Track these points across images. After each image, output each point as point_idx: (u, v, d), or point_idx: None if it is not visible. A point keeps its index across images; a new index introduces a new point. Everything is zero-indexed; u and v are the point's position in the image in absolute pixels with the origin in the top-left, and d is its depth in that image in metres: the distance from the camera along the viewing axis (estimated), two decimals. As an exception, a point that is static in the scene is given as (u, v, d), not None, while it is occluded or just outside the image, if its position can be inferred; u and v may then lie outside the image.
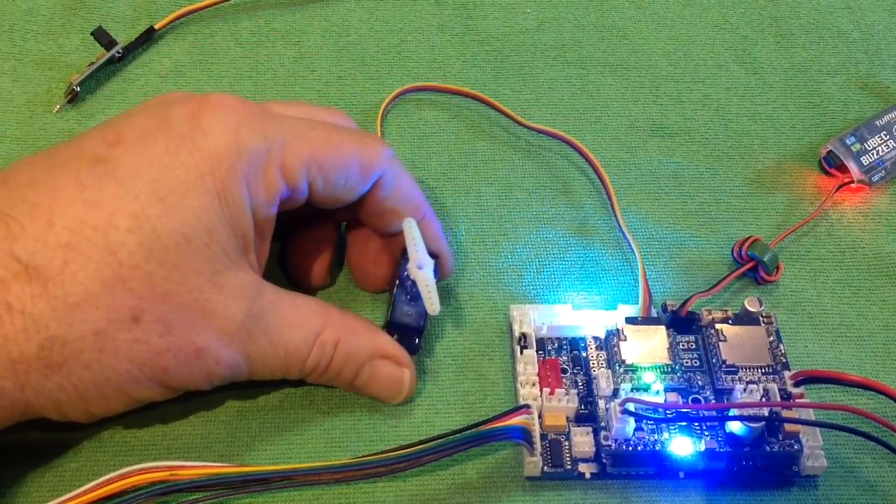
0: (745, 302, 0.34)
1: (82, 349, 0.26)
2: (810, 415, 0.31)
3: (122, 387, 0.27)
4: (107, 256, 0.26)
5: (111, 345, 0.26)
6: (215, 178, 0.27)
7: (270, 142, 0.29)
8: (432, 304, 0.31)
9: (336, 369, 0.31)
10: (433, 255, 0.32)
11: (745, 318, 0.34)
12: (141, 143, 0.28)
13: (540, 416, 0.31)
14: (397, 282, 0.32)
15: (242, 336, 0.28)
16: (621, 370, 0.32)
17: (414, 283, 0.31)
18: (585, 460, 0.31)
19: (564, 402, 0.31)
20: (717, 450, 0.30)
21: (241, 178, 0.28)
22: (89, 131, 0.29)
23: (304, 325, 0.30)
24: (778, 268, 0.37)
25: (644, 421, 0.31)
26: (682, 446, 0.30)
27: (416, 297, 0.32)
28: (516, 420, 0.31)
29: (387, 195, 0.32)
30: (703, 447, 0.30)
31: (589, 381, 0.33)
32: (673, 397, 0.31)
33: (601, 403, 0.31)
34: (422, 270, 0.31)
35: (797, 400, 0.32)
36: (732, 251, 0.37)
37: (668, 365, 0.32)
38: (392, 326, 0.32)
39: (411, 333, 0.32)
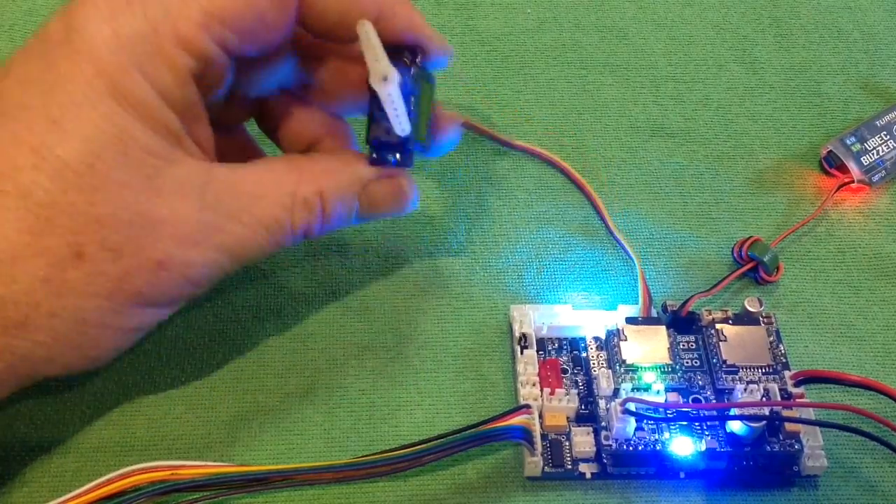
0: (745, 302, 0.34)
1: (37, 301, 0.25)
2: (811, 414, 0.31)
3: (103, 323, 0.26)
4: (23, 202, 0.24)
5: (66, 287, 0.25)
6: (104, 79, 0.25)
7: (152, 18, 0.25)
8: (399, 123, 0.27)
9: (332, 217, 0.29)
10: (413, 48, 0.28)
11: (745, 318, 0.34)
12: (23, 67, 0.25)
13: (540, 416, 0.31)
14: (370, 96, 0.28)
15: (206, 231, 0.26)
16: (622, 370, 0.32)
17: (376, 97, 0.27)
18: (586, 460, 0.31)
19: (565, 402, 0.31)
20: (717, 450, 0.30)
21: (133, 68, 0.25)
22: None
23: (274, 191, 0.28)
24: (778, 268, 0.37)
25: (645, 421, 0.31)
26: (682, 446, 0.30)
27: (385, 116, 0.28)
28: (517, 420, 0.31)
29: (321, 9, 0.28)
30: (703, 447, 0.30)
31: (589, 381, 0.33)
32: (673, 397, 0.31)
33: (602, 403, 0.31)
34: (385, 83, 0.26)
35: (797, 400, 0.32)
36: (732, 251, 0.37)
37: (668, 365, 0.32)
38: (372, 146, 0.29)
39: (393, 150, 0.29)
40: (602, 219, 0.38)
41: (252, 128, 0.34)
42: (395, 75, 0.26)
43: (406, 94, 0.28)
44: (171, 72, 0.26)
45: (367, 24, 0.26)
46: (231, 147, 0.32)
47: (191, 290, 0.28)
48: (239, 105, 0.32)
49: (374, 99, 0.27)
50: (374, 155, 0.29)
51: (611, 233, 0.37)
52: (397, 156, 0.29)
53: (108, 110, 0.25)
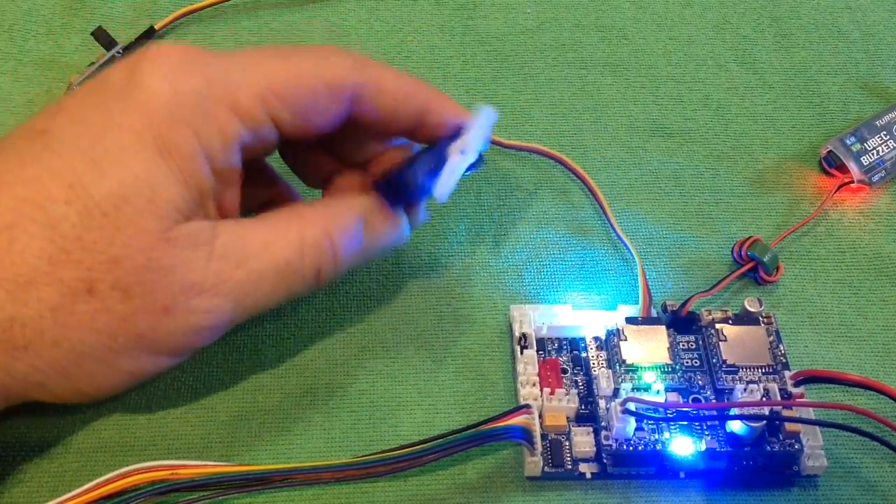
0: (745, 302, 0.34)
1: (43, 328, 0.26)
2: (811, 414, 0.31)
3: (102, 359, 0.27)
4: (49, 232, 0.25)
5: (72, 319, 0.26)
6: (153, 132, 0.26)
7: (213, 82, 0.27)
8: (445, 187, 0.29)
9: (341, 255, 0.29)
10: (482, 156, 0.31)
11: (745, 318, 0.34)
12: (78, 109, 0.27)
13: (540, 416, 0.31)
14: (427, 147, 0.30)
15: (212, 280, 0.27)
16: (622, 370, 0.32)
17: (442, 157, 0.29)
18: (586, 460, 0.31)
19: (565, 402, 0.31)
20: (717, 449, 0.30)
21: (184, 126, 0.26)
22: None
23: (281, 238, 0.28)
24: (778, 268, 0.37)
25: (645, 421, 0.31)
26: (682, 446, 0.30)
27: (434, 173, 0.29)
28: (517, 420, 0.31)
29: (373, 107, 0.29)
30: (703, 447, 0.30)
31: (589, 381, 0.33)
32: (673, 397, 0.31)
33: (602, 403, 0.31)
34: (463, 155, 0.29)
35: (797, 399, 0.32)
36: (732, 251, 0.37)
37: (668, 365, 0.32)
38: (392, 180, 0.30)
39: (401, 196, 0.30)
40: (604, 215, 0.38)
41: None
42: (472, 157, 0.29)
43: (462, 175, 0.30)
44: (220, 136, 0.27)
45: (490, 114, 0.30)
46: (252, 177, 0.32)
47: (192, 341, 0.28)
48: (268, 173, 0.33)
49: (434, 156, 0.30)
50: (387, 186, 0.30)
51: (612, 229, 0.37)
52: (401, 200, 0.31)
53: (147, 160, 0.26)
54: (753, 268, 0.36)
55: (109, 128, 0.26)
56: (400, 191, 0.30)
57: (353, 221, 0.30)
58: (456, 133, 0.30)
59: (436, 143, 0.30)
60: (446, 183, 0.29)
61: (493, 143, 0.40)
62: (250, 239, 0.28)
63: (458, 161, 0.29)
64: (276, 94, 0.27)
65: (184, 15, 0.43)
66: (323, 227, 0.29)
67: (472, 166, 0.31)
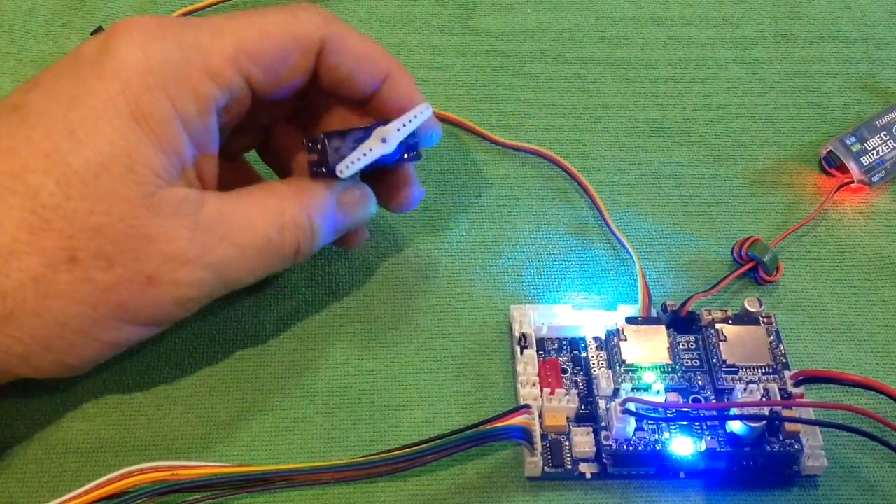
0: (745, 302, 0.34)
1: (24, 298, 0.25)
2: (810, 414, 0.31)
3: (83, 330, 0.27)
4: (28, 202, 0.25)
5: (54, 289, 0.26)
6: (127, 98, 0.26)
7: (186, 47, 0.27)
8: (349, 164, 0.29)
9: (319, 232, 0.30)
10: (419, 153, 0.31)
11: (745, 318, 0.34)
12: (52, 82, 0.27)
13: (540, 416, 0.31)
14: (365, 125, 0.30)
15: (196, 251, 0.27)
16: (622, 370, 0.32)
17: (366, 137, 0.29)
18: (586, 460, 0.31)
19: (565, 402, 0.31)
20: (717, 449, 0.30)
21: (159, 91, 0.26)
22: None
23: (263, 214, 0.29)
24: (778, 268, 0.37)
25: (644, 421, 0.31)
26: (682, 446, 0.30)
27: (354, 147, 0.30)
28: (517, 420, 0.31)
29: (337, 61, 0.30)
30: (703, 447, 0.30)
31: (589, 382, 0.33)
32: (673, 397, 0.31)
33: (601, 403, 0.31)
34: (383, 143, 0.29)
35: (797, 399, 0.32)
36: (732, 251, 0.37)
37: (668, 365, 0.32)
38: (316, 138, 0.30)
39: (321, 159, 0.30)
40: (601, 217, 0.38)
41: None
42: (389, 148, 0.29)
43: (376, 164, 0.30)
44: (195, 99, 0.27)
45: (428, 109, 0.30)
46: (233, 174, 0.33)
47: (174, 312, 0.28)
48: (243, 139, 0.33)
49: (364, 133, 0.30)
50: (311, 142, 0.30)
51: (610, 230, 0.37)
52: (323, 169, 0.30)
53: (123, 127, 0.26)
54: (753, 268, 0.36)
55: (83, 97, 0.26)
56: (321, 151, 0.30)
57: (329, 199, 0.30)
58: (389, 120, 0.30)
59: (377, 122, 0.30)
60: (352, 161, 0.29)
61: (492, 141, 0.40)
62: (233, 213, 0.28)
63: (374, 145, 0.29)
64: (247, 54, 0.28)
65: (183, 15, 0.43)
66: (301, 205, 0.29)
67: (408, 158, 0.31)
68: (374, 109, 0.32)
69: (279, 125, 0.33)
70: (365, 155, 0.29)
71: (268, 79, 0.29)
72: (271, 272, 0.30)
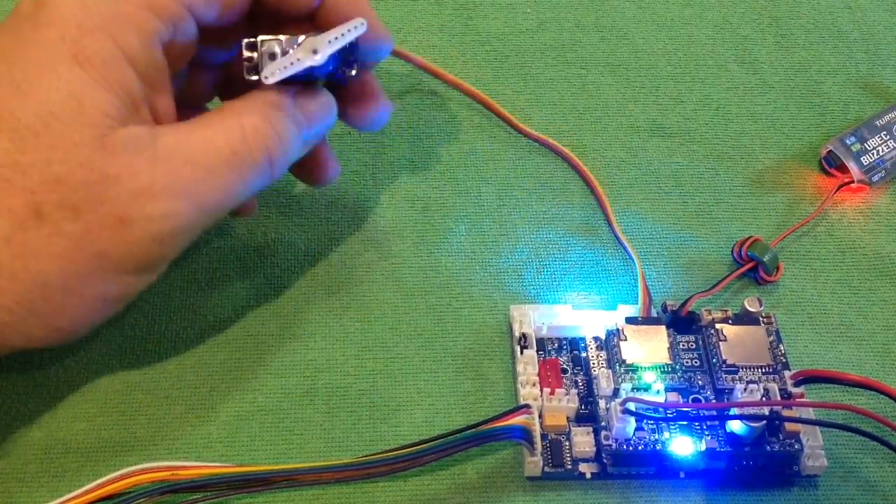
0: (745, 302, 0.34)
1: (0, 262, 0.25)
2: (811, 414, 0.31)
3: (65, 287, 0.26)
4: None
5: (27, 248, 0.25)
6: (66, 41, 0.25)
7: None
8: (275, 70, 0.28)
9: (285, 137, 0.29)
10: (356, 65, 0.30)
11: (745, 318, 0.34)
12: None
13: (540, 416, 0.31)
14: (298, 40, 0.29)
15: (162, 182, 0.26)
16: (622, 370, 0.32)
17: (292, 43, 0.29)
18: (586, 460, 0.31)
19: (565, 402, 0.31)
20: (717, 449, 0.30)
21: (98, 30, 0.26)
22: None
23: (221, 132, 0.28)
24: (778, 268, 0.37)
25: (645, 420, 0.31)
26: (682, 446, 0.30)
27: (283, 53, 0.29)
28: (517, 420, 0.31)
29: None
30: (703, 447, 0.30)
31: (589, 381, 0.33)
32: (673, 397, 0.31)
33: (602, 403, 0.31)
34: (313, 55, 0.28)
35: (797, 399, 0.32)
36: (732, 251, 0.37)
37: (668, 365, 0.32)
38: (251, 43, 0.29)
39: (253, 61, 0.29)
40: (606, 216, 0.38)
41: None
42: (319, 61, 0.28)
43: (310, 75, 0.29)
44: (138, 34, 0.26)
45: (362, 26, 0.29)
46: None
47: (157, 251, 0.27)
48: (201, 80, 0.32)
49: (293, 41, 0.29)
50: (247, 45, 0.29)
51: (612, 230, 0.37)
52: (256, 73, 0.29)
53: (66, 72, 0.25)
54: (753, 268, 0.36)
55: (23, 49, 0.26)
56: (252, 51, 0.29)
57: (286, 101, 0.29)
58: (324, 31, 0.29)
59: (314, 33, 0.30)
60: (278, 69, 0.28)
61: (511, 125, 0.40)
62: (191, 137, 0.27)
63: (301, 55, 0.28)
64: None
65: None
66: (259, 112, 0.29)
67: (343, 74, 0.30)
68: (320, 26, 0.31)
69: (234, 67, 0.32)
70: (292, 64, 0.28)
71: (210, 6, 0.28)
72: (251, 189, 0.29)
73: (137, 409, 0.32)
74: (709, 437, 0.31)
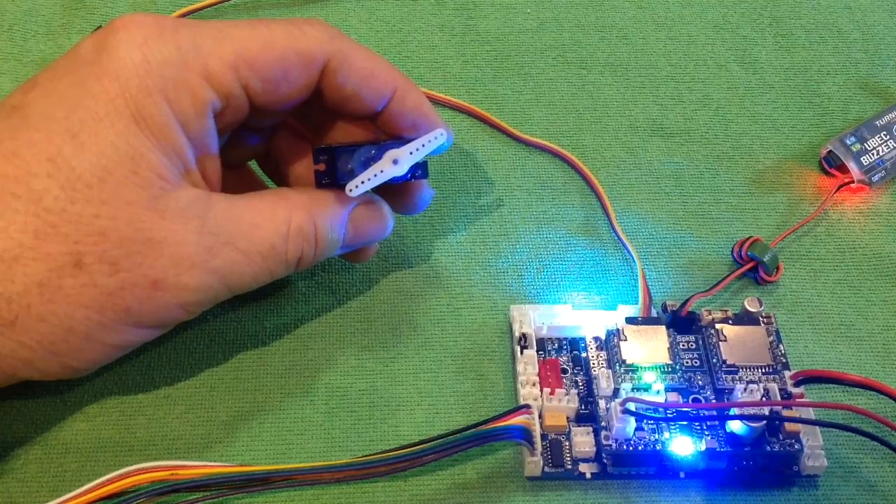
0: (745, 302, 0.34)
1: (29, 303, 0.25)
2: (811, 414, 0.31)
3: (88, 334, 0.27)
4: (32, 206, 0.25)
5: (59, 294, 0.26)
6: (127, 100, 0.26)
7: (185, 50, 0.27)
8: (360, 184, 0.29)
9: (323, 244, 0.30)
10: (425, 172, 0.31)
11: (745, 318, 0.34)
12: (52, 82, 0.27)
13: (540, 416, 0.31)
14: (378, 141, 0.30)
15: (203, 256, 0.27)
16: (622, 370, 0.32)
17: (378, 156, 0.29)
18: (586, 460, 0.31)
19: (565, 402, 0.31)
20: (717, 449, 0.30)
21: (157, 93, 0.26)
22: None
23: (269, 221, 0.28)
24: (778, 268, 0.37)
25: (645, 421, 0.31)
26: (682, 446, 0.30)
27: (366, 166, 0.30)
28: (517, 420, 0.31)
29: (342, 80, 0.29)
30: (703, 447, 0.30)
31: (589, 381, 0.33)
32: (673, 397, 0.31)
33: (602, 403, 0.31)
34: (394, 165, 0.29)
35: (797, 399, 0.32)
36: (732, 251, 0.37)
37: (668, 365, 0.32)
38: (326, 150, 0.30)
39: (328, 170, 0.30)
40: (607, 216, 0.38)
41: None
42: (400, 171, 0.29)
43: (386, 182, 0.30)
44: (193, 102, 0.27)
45: (443, 135, 0.30)
46: (237, 183, 0.33)
47: (179, 315, 0.28)
48: (245, 141, 0.33)
49: (375, 150, 0.30)
50: (319, 152, 0.30)
51: (613, 230, 0.37)
52: (330, 181, 0.30)
53: (125, 129, 0.26)
54: (753, 268, 0.36)
55: (83, 98, 0.26)
56: (328, 163, 0.30)
57: (340, 212, 0.30)
58: (404, 140, 0.30)
59: (388, 140, 0.30)
60: (363, 181, 0.29)
61: (507, 134, 0.40)
62: (240, 217, 0.28)
63: (385, 167, 0.29)
64: (247, 62, 0.27)
65: (184, 15, 0.43)
66: (309, 213, 0.29)
67: (417, 177, 0.31)
68: (382, 125, 0.31)
69: (281, 133, 0.33)
70: (375, 176, 0.29)
71: (266, 90, 0.28)
72: (273, 278, 0.30)
73: (137, 409, 0.32)
74: (709, 437, 0.31)
